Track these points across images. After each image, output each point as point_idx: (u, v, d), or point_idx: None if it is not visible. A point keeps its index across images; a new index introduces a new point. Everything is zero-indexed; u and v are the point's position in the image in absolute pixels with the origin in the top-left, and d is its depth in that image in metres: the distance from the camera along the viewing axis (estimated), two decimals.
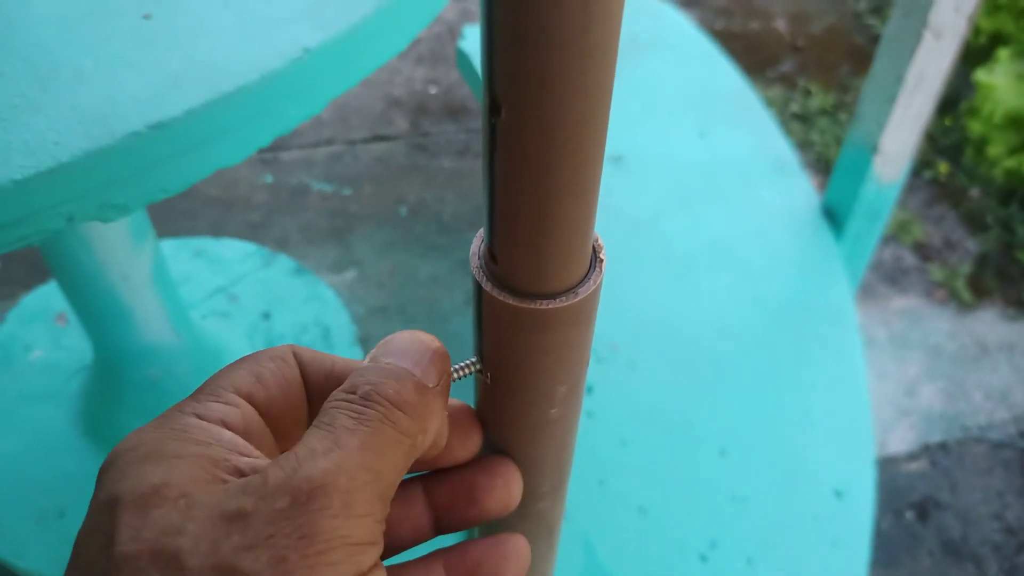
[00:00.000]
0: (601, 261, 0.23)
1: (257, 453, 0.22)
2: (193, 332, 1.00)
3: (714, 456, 0.86)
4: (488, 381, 0.25)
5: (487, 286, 0.23)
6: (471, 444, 0.27)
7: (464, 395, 0.29)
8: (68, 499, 0.97)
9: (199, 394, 0.24)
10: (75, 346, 1.10)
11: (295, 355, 0.25)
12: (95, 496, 0.21)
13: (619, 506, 0.82)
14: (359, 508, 0.20)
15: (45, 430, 1.03)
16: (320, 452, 0.21)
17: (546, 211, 0.20)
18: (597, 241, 0.23)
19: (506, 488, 0.26)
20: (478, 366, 0.25)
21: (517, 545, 0.26)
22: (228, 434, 0.22)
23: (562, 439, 0.27)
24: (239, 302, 1.19)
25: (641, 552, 0.79)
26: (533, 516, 0.30)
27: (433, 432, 0.24)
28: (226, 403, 0.23)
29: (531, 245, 0.21)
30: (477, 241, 0.23)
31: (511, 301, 0.22)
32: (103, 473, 0.22)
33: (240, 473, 0.21)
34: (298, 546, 0.19)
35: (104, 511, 0.20)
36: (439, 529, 0.27)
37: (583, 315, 0.23)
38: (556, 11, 0.17)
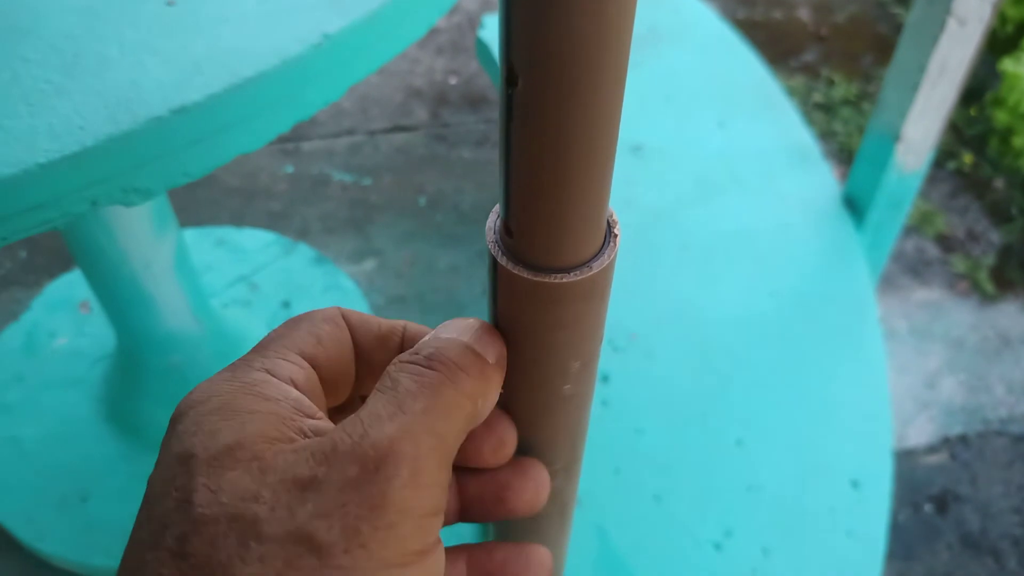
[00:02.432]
0: (616, 236, 0.23)
1: (320, 415, 0.23)
2: (214, 320, 1.01)
3: (730, 445, 0.86)
4: None
5: (502, 260, 0.23)
6: (505, 450, 0.27)
7: None
8: (90, 484, 0.99)
9: (266, 350, 0.24)
10: (98, 333, 1.12)
11: (344, 317, 0.26)
12: (168, 445, 0.21)
13: (634, 495, 0.82)
14: (426, 477, 0.21)
15: (68, 416, 1.04)
16: (385, 417, 0.21)
17: (562, 183, 0.20)
18: (612, 216, 0.23)
19: (536, 491, 0.27)
20: None
21: (541, 556, 0.27)
22: (296, 393, 0.23)
23: (576, 416, 0.27)
24: (259, 291, 1.20)
25: (656, 541, 0.80)
26: (548, 495, 0.30)
27: (492, 402, 0.24)
28: (292, 363, 0.24)
29: (547, 218, 0.21)
30: (493, 216, 0.23)
31: (526, 275, 0.22)
32: (175, 424, 0.22)
33: (304, 434, 0.21)
34: (369, 517, 0.20)
35: (179, 464, 0.21)
36: (463, 518, 0.27)
37: (597, 289, 0.23)
38: None
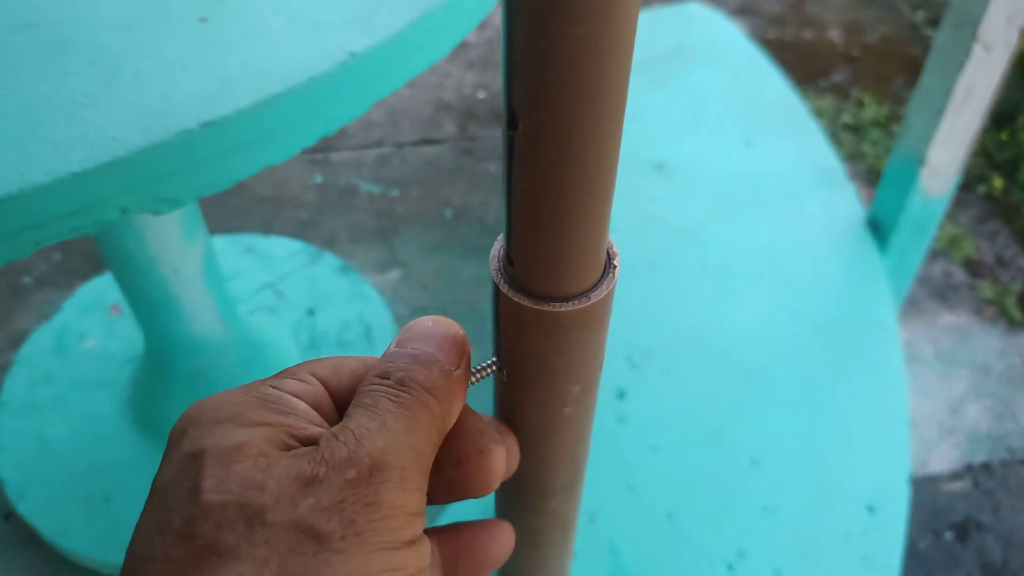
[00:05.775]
0: (615, 267, 0.24)
1: (326, 425, 0.25)
2: (240, 326, 1.02)
3: (745, 466, 0.86)
4: (504, 379, 0.26)
5: (504, 288, 0.24)
6: (510, 463, 0.29)
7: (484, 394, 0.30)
8: (115, 484, 1.01)
9: (280, 374, 0.26)
10: (127, 336, 1.14)
11: (312, 375, 0.27)
12: (178, 447, 0.23)
13: (647, 512, 0.82)
14: (411, 483, 0.23)
15: (96, 416, 1.07)
16: (374, 431, 0.23)
17: (560, 220, 0.21)
18: (611, 248, 0.24)
19: (502, 548, 0.29)
20: (496, 365, 0.27)
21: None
22: (302, 405, 0.25)
23: (576, 437, 0.28)
24: (285, 298, 1.21)
25: (668, 559, 0.80)
26: (548, 512, 0.31)
27: (456, 414, 0.26)
28: (300, 380, 0.26)
29: (545, 251, 0.22)
30: (497, 245, 0.24)
31: (526, 303, 0.23)
32: (186, 427, 0.24)
33: (311, 442, 0.24)
34: (365, 511, 0.22)
35: (190, 461, 0.23)
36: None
37: (595, 319, 0.24)
38: (572, 31, 0.17)
